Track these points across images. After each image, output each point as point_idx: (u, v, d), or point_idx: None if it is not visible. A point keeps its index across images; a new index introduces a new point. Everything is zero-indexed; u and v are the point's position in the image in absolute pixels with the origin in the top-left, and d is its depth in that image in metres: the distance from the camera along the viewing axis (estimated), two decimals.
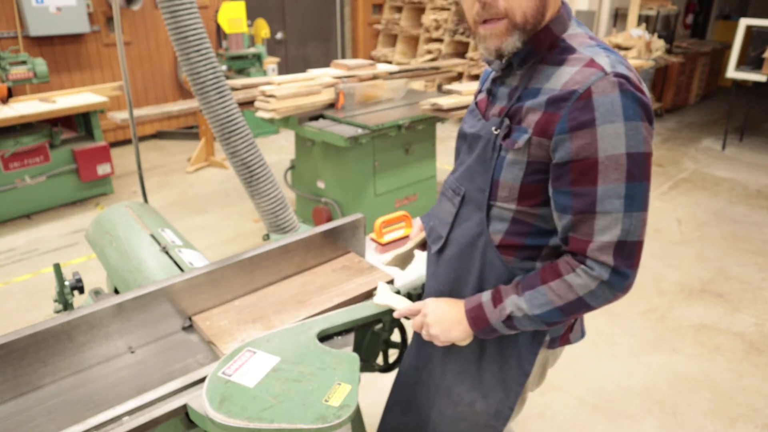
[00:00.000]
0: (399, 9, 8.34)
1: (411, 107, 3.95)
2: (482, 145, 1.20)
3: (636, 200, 1.04)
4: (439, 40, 7.66)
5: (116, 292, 1.90)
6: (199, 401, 1.12)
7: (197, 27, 1.67)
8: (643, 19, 7.14)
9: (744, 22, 5.86)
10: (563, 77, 1.06)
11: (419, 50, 7.78)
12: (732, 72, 6.02)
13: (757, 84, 6.19)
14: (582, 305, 1.10)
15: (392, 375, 1.86)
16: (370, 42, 8.50)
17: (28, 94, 4.99)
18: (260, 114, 3.60)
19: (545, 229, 1.17)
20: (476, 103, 1.30)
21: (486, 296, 1.19)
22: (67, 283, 1.71)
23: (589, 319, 3.18)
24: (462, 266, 1.27)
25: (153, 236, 1.89)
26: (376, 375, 1.93)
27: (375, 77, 4.11)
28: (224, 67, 5.96)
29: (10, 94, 4.49)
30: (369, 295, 1.53)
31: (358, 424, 1.71)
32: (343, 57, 8.42)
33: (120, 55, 2.51)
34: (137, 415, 1.11)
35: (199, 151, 5.55)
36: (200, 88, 1.72)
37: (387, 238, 1.91)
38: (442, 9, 7.59)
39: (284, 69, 7.41)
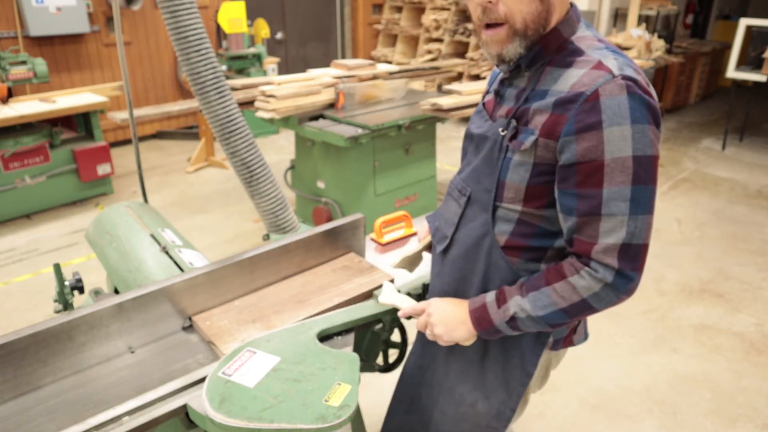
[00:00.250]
0: (399, 9, 8.34)
1: (411, 107, 3.95)
2: (489, 146, 1.20)
3: (642, 203, 1.03)
4: (439, 40, 7.66)
5: (116, 292, 1.90)
6: (199, 401, 1.12)
7: (197, 27, 1.67)
8: (643, 19, 7.14)
9: (744, 22, 5.86)
10: (571, 79, 1.06)
11: (419, 50, 7.78)
12: (732, 72, 6.02)
13: (757, 84, 6.19)
14: (586, 307, 1.10)
15: (392, 375, 1.86)
16: (370, 42, 8.50)
17: (28, 94, 4.99)
18: (260, 114, 3.60)
19: (550, 231, 1.17)
20: (484, 104, 1.30)
21: (490, 297, 1.19)
22: (67, 283, 1.71)
23: (590, 319, 3.17)
24: (467, 266, 1.27)
25: (153, 236, 1.89)
26: (376, 375, 1.93)
27: (375, 77, 4.11)
28: (224, 67, 5.96)
29: (10, 94, 4.49)
30: (369, 295, 1.53)
31: (358, 424, 1.71)
32: (343, 57, 8.42)
33: (120, 55, 2.51)
34: (137, 415, 1.11)
35: (199, 151, 5.55)
36: (200, 88, 1.72)
37: (387, 238, 1.91)
38: (442, 9, 7.58)
39: (284, 69, 7.41)
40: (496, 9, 1.07)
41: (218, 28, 6.00)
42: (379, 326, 1.73)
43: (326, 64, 5.11)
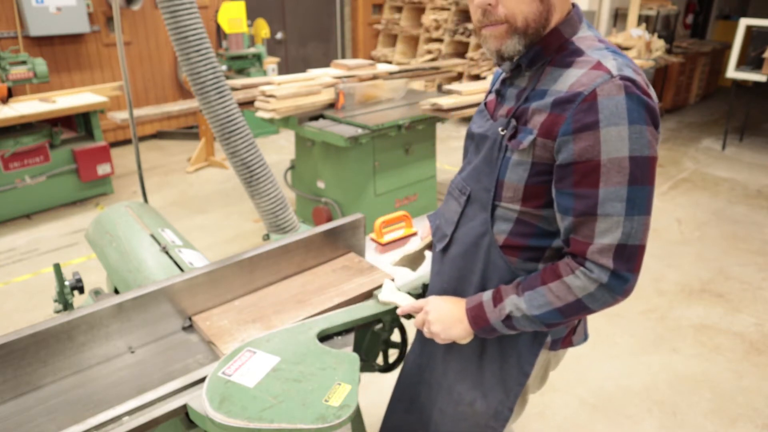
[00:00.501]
0: (399, 9, 8.34)
1: (411, 107, 3.95)
2: (489, 145, 1.20)
3: (638, 204, 1.03)
4: (439, 40, 7.66)
5: (116, 292, 1.90)
6: (199, 401, 1.12)
7: (197, 27, 1.67)
8: (643, 19, 7.14)
9: (744, 22, 5.86)
10: (570, 79, 1.06)
11: (419, 50, 7.78)
12: (732, 72, 6.02)
13: (757, 84, 6.19)
14: (581, 307, 1.10)
15: (392, 375, 1.86)
16: (370, 42, 8.50)
17: (28, 94, 4.99)
18: (260, 114, 3.60)
19: (549, 231, 1.17)
20: (486, 104, 1.30)
21: (487, 295, 1.20)
22: (67, 283, 1.71)
23: (589, 319, 3.17)
24: (466, 265, 1.27)
25: (153, 236, 1.89)
26: (376, 375, 1.93)
27: (375, 77, 4.11)
28: (224, 67, 5.96)
29: (10, 94, 4.49)
30: (369, 295, 1.53)
31: (358, 425, 1.71)
32: (343, 57, 8.42)
33: (120, 55, 2.51)
34: (137, 415, 1.11)
35: (199, 151, 5.55)
36: (200, 88, 1.72)
37: (387, 238, 1.91)
38: (442, 9, 7.58)
39: (284, 69, 7.41)
40: (495, 11, 1.07)
41: (218, 28, 6.00)
42: (379, 326, 1.73)
43: (326, 64, 5.11)
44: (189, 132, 6.49)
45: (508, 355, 1.28)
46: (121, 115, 4.23)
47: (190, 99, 5.55)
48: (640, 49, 6.24)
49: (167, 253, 1.79)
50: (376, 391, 2.37)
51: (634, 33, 6.53)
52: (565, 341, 1.31)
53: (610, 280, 1.06)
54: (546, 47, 1.12)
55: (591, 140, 1.02)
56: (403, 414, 1.54)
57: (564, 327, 1.29)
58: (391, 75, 4.22)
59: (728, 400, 2.60)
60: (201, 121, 5.56)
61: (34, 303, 3.31)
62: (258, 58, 6.16)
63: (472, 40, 7.01)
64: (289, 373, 1.19)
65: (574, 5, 1.16)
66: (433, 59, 7.44)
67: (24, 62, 4.55)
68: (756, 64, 5.92)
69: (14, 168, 4.22)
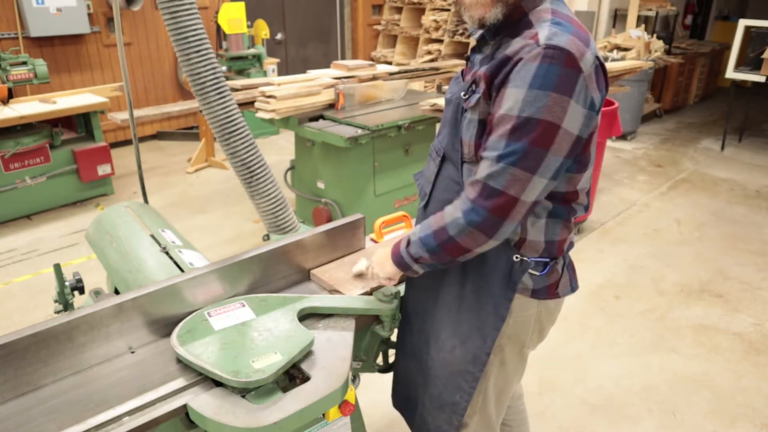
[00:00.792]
0: (399, 10, 8.35)
1: (411, 108, 3.96)
2: (453, 107, 1.35)
3: (511, 155, 1.13)
4: (439, 41, 7.66)
5: (116, 292, 1.90)
6: (199, 401, 1.13)
7: (197, 28, 1.68)
8: (642, 20, 7.14)
9: (743, 23, 5.87)
10: (513, 47, 1.18)
11: (419, 51, 7.79)
12: (731, 72, 6.03)
13: (756, 84, 6.19)
14: (446, 234, 1.22)
15: (392, 375, 1.86)
16: (370, 43, 8.50)
17: (28, 95, 4.99)
18: (260, 114, 3.60)
19: None
20: (462, 72, 1.43)
21: (406, 234, 1.36)
22: (67, 283, 1.72)
23: (589, 319, 3.19)
24: None
25: (153, 237, 1.89)
26: (376, 375, 1.93)
27: (375, 78, 4.11)
28: (224, 68, 5.96)
29: (11, 94, 4.49)
30: (369, 295, 1.54)
31: (359, 425, 1.71)
32: (343, 58, 8.42)
33: (120, 56, 2.51)
34: (137, 415, 1.11)
35: (199, 152, 5.55)
36: (200, 88, 1.72)
37: (387, 238, 1.91)
38: (442, 10, 7.59)
39: (284, 70, 7.41)
40: None
41: (218, 28, 6.00)
42: (378, 326, 1.73)
43: (326, 65, 5.12)
44: (189, 132, 6.49)
45: (484, 303, 1.37)
46: (121, 116, 4.23)
47: (190, 100, 5.55)
48: (639, 49, 6.25)
49: (167, 253, 1.79)
50: (376, 391, 2.37)
51: (634, 34, 6.54)
52: (551, 292, 1.38)
53: (468, 211, 1.18)
54: (507, 19, 1.22)
55: (500, 97, 1.16)
56: (406, 362, 1.63)
57: (544, 277, 1.34)
58: (390, 75, 4.22)
59: (728, 400, 2.60)
60: (201, 121, 5.56)
61: (34, 303, 3.31)
62: (258, 58, 6.16)
63: (472, 41, 7.01)
64: (249, 330, 1.30)
65: None
66: (432, 60, 7.44)
67: (24, 63, 4.55)
68: (755, 65, 5.93)
69: (15, 168, 4.23)
